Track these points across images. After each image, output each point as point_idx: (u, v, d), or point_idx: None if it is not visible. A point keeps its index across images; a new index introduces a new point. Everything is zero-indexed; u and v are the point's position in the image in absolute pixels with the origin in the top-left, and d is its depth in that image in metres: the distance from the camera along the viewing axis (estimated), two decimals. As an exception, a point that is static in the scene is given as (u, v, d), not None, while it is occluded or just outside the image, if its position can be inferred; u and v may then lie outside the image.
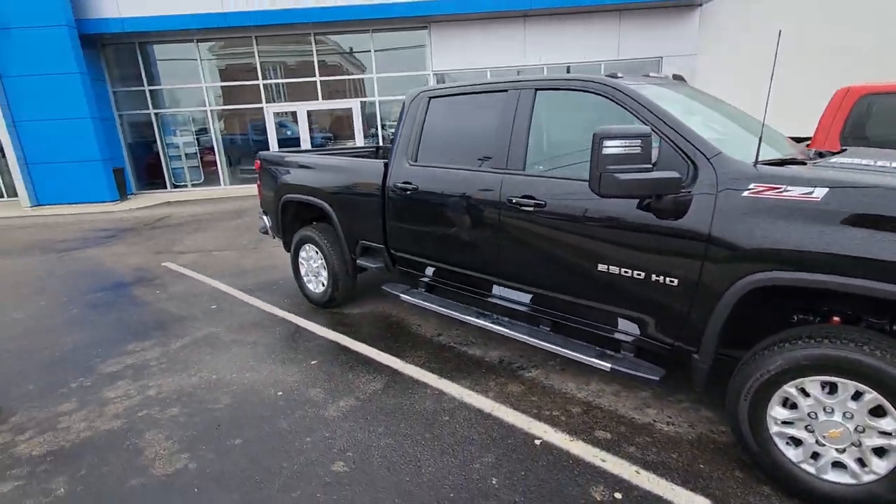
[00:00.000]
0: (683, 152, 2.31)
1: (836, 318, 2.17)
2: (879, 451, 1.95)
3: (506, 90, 3.06)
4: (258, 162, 5.05)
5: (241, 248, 7.30)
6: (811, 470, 2.10)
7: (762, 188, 2.08)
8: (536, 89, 2.92)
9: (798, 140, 4.95)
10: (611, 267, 2.54)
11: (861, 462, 1.99)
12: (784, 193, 2.02)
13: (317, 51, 13.18)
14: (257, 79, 13.29)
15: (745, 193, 2.11)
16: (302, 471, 2.44)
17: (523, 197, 2.83)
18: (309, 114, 13.57)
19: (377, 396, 3.09)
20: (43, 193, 12.51)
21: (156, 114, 13.65)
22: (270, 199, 4.90)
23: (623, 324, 2.66)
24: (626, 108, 2.53)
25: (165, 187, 14.17)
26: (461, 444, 2.60)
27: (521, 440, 2.63)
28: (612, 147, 2.11)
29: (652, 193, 2.22)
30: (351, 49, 13.51)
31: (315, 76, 13.35)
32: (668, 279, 2.35)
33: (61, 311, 5.01)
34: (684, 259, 2.27)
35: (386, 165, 3.70)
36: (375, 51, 13.20)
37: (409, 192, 3.50)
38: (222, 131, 14.06)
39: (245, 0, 11.87)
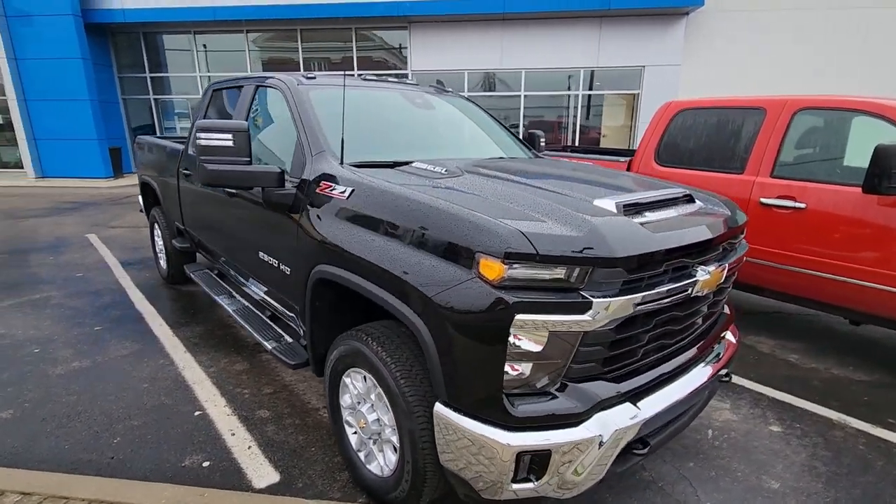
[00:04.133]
0: (302, 150, 2.44)
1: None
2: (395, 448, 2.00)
3: (242, 86, 3.26)
4: (136, 145, 5.44)
5: (165, 227, 7.77)
6: (362, 458, 2.19)
7: (325, 186, 2.19)
8: (257, 85, 3.10)
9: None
10: (263, 255, 2.70)
11: (384, 455, 2.07)
12: (333, 191, 2.13)
13: (302, 48, 13.67)
14: (246, 70, 13.92)
15: (317, 189, 2.22)
16: (-25, 414, 2.73)
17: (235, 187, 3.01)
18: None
19: (113, 361, 3.36)
20: (47, 166, 13.64)
21: (155, 99, 14.58)
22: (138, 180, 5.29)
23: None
24: (288, 105, 2.68)
25: (161, 169, 15.07)
26: (130, 407, 2.83)
27: (186, 410, 2.82)
28: (205, 138, 2.27)
29: (247, 186, 2.36)
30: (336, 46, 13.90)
31: (300, 71, 13.84)
32: (283, 266, 2.49)
33: (-40, 268, 5.58)
34: (290, 249, 2.41)
35: (183, 151, 3.96)
36: (357, 48, 13.54)
37: (187, 177, 3.75)
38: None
39: (235, -5, 12.53)
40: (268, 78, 2.95)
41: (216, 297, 3.52)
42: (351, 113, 2.75)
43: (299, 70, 13.75)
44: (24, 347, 3.54)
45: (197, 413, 2.79)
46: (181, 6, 12.65)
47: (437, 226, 1.64)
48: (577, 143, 13.18)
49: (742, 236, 2.25)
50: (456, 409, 1.60)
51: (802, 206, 3.29)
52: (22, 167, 14.75)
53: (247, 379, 3.18)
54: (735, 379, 3.28)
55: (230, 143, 2.26)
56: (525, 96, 13.24)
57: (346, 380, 2.18)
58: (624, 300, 1.52)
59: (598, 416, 1.59)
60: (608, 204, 1.77)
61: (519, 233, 1.48)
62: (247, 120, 3.09)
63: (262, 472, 2.34)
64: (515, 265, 1.46)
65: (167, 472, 2.30)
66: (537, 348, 1.50)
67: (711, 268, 1.84)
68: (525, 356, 1.51)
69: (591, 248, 1.49)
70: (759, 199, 3.50)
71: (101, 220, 8.43)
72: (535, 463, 1.57)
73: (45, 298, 4.55)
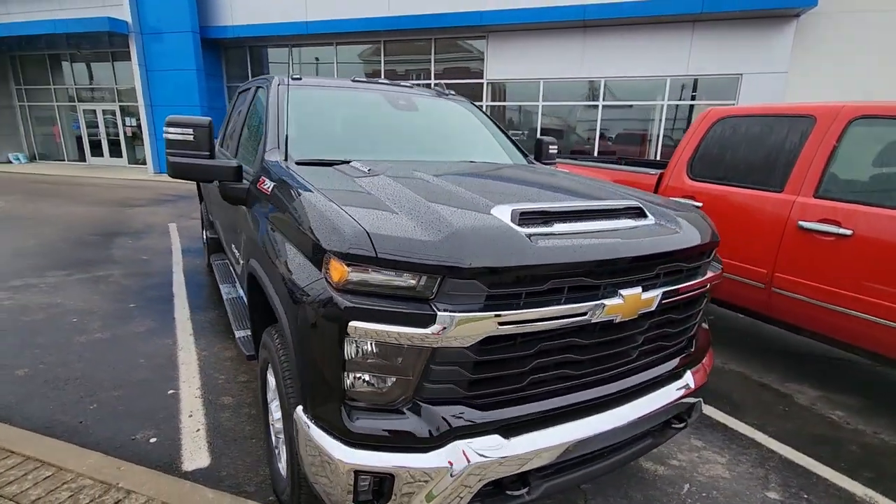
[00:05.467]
0: (263, 146, 2.51)
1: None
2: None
3: (250, 88, 3.44)
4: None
5: (235, 221, 8.47)
6: (276, 454, 2.18)
7: (262, 181, 2.22)
8: (256, 86, 3.26)
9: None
10: (232, 246, 2.80)
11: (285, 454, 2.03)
12: (264, 186, 2.15)
13: (385, 60, 14.27)
14: (333, 80, 14.81)
15: (258, 184, 2.26)
16: (1, 370, 3.14)
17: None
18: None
19: (128, 336, 3.69)
20: (164, 163, 15.52)
21: (255, 106, 16.03)
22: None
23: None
24: (265, 103, 2.77)
25: (256, 169, 16.55)
26: (119, 378, 3.07)
27: (162, 388, 3.00)
28: (170, 133, 2.41)
29: (207, 178, 2.45)
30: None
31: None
32: (241, 258, 2.56)
33: (58, 243, 6.49)
34: (241, 241, 2.48)
35: (213, 149, 4.28)
36: (436, 59, 13.82)
37: (210, 173, 4.04)
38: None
39: (326, 11, 13.41)
40: (264, 79, 3.09)
41: (220, 285, 3.73)
42: (325, 113, 2.80)
43: (382, 76, 14.35)
44: (66, 316, 4.02)
45: (170, 392, 2.97)
46: (280, 21, 13.84)
47: (309, 223, 1.58)
48: (658, 157, 12.27)
49: (704, 259, 1.91)
50: (310, 417, 1.52)
51: (848, 232, 2.74)
52: (147, 163, 17.01)
53: (229, 365, 3.32)
54: (745, 430, 2.80)
55: (191, 138, 2.38)
56: (604, 107, 12.62)
57: (268, 374, 2.19)
58: (478, 317, 1.35)
59: (455, 445, 1.42)
60: (503, 211, 1.58)
61: (364, 233, 1.37)
62: (246, 117, 3.26)
63: (196, 455, 2.41)
64: (361, 268, 1.36)
65: (116, 443, 2.46)
66: (378, 360, 1.38)
67: (631, 292, 1.57)
68: (365, 367, 1.39)
69: (438, 256, 1.34)
70: (798, 221, 2.97)
71: (187, 211, 9.39)
72: (378, 485, 1.44)
73: (106, 276, 5.14)
